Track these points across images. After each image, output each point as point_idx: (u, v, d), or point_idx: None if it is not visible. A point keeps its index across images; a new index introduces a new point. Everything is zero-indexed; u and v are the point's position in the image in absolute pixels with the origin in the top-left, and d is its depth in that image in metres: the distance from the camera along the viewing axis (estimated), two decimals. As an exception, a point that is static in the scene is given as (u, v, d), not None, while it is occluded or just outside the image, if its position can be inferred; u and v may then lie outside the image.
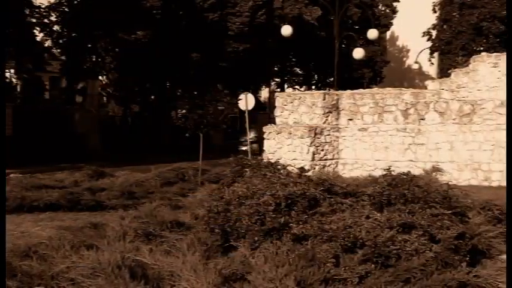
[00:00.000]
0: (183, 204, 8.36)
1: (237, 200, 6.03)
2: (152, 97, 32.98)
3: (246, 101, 19.17)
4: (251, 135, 22.45)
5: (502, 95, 14.59)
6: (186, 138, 25.02)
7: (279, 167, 8.68)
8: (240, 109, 20.78)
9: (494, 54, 15.72)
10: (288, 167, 8.62)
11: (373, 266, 4.91)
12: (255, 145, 23.75)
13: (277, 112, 18.02)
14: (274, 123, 17.94)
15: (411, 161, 15.96)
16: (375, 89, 18.56)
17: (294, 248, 5.06)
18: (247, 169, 8.28)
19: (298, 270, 4.63)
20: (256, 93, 31.35)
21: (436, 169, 8.62)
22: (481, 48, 23.68)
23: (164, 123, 30.57)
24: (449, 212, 5.85)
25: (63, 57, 29.55)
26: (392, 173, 6.70)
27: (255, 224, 5.61)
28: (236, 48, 27.22)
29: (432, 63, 30.41)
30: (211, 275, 4.57)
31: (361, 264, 4.90)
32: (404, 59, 41.30)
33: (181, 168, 13.16)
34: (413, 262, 4.94)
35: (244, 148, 23.62)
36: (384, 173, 6.75)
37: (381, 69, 33.54)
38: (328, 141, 16.92)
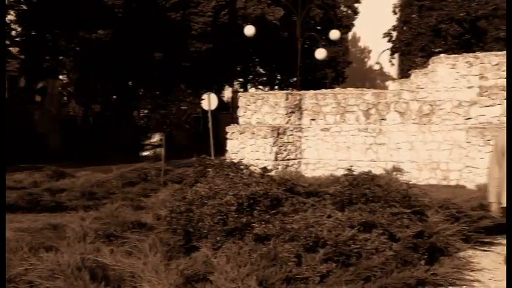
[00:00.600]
0: (145, 204, 8.29)
1: (199, 200, 6.02)
2: (114, 97, 32.60)
3: (209, 101, 19.11)
4: (155, 138, 21.94)
5: (460, 96, 14.89)
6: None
7: (242, 167, 8.68)
8: (203, 109, 20.70)
9: (453, 55, 15.99)
10: (250, 167, 8.64)
11: (334, 264, 4.96)
12: (158, 149, 22.62)
13: (240, 112, 18.03)
14: (237, 123, 17.95)
15: (372, 160, 16.16)
16: (337, 89, 18.71)
17: (256, 248, 5.07)
18: (210, 169, 8.27)
19: (260, 270, 4.64)
20: (219, 93, 31.29)
21: (396, 169, 8.74)
22: (440, 50, 24.10)
23: (126, 123, 30.25)
24: (409, 211, 5.96)
25: (22, 56, 28.95)
26: (354, 172, 6.78)
27: (217, 224, 5.60)
28: (199, 48, 27.12)
29: (393, 64, 30.87)
30: (173, 276, 4.54)
31: (322, 263, 4.94)
32: (366, 59, 41.81)
33: (143, 168, 13.05)
34: (373, 261, 5.00)
35: (145, 153, 23.10)
36: (345, 172, 6.83)
37: (343, 70, 33.87)
38: (291, 141, 17.01)
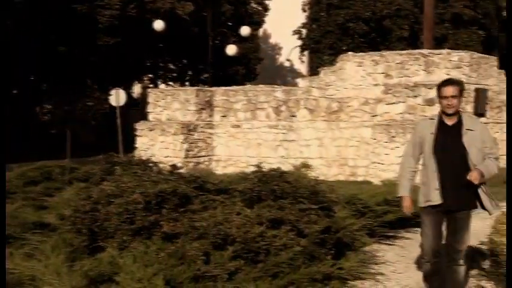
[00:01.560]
0: (48, 204, 8.01)
1: (105, 199, 5.89)
2: (15, 91, 31.19)
3: (117, 97, 18.73)
4: None
5: (366, 93, 15.41)
6: (53, 135, 23.95)
7: (151, 164, 8.59)
8: (111, 105, 20.24)
9: (359, 53, 16.53)
10: (160, 165, 8.55)
11: (242, 262, 5.00)
12: None
13: (149, 108, 17.80)
14: (147, 119, 17.70)
15: (283, 157, 16.44)
16: (248, 86, 18.90)
17: (164, 247, 5.03)
18: (117, 167, 8.11)
19: (168, 269, 4.61)
20: (128, 89, 30.70)
21: (305, 165, 8.94)
22: (348, 48, 24.83)
23: (28, 119, 29.05)
24: (317, 206, 6.09)
25: None
26: (263, 169, 6.85)
27: (124, 223, 5.51)
28: (107, 42, 26.47)
29: (303, 61, 31.48)
30: (76, 277, 4.42)
31: (231, 260, 4.97)
32: (277, 56, 42.38)
33: (46, 166, 12.57)
34: (281, 257, 5.09)
35: None
36: (255, 169, 6.89)
37: (254, 66, 34.17)
38: (201, 138, 16.99)
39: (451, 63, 14.60)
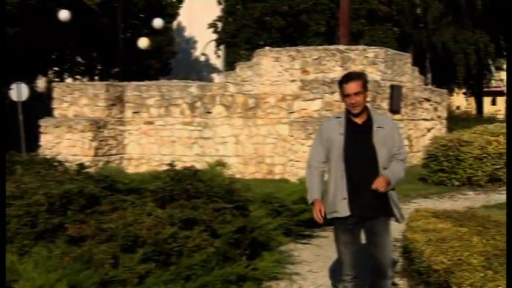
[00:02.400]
0: None
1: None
2: None
3: (19, 92, 18.05)
4: None
5: (284, 89, 15.63)
6: None
7: (56, 163, 8.34)
8: (12, 100, 19.47)
9: (276, 48, 16.74)
10: (66, 164, 8.32)
11: (153, 264, 4.95)
12: None
13: (55, 104, 17.25)
14: (53, 115, 17.15)
15: (198, 155, 16.39)
16: (161, 81, 18.70)
17: (69, 251, 4.90)
18: (18, 166, 7.83)
19: (73, 274, 4.49)
20: (31, 83, 29.61)
21: (220, 163, 8.95)
22: (264, 42, 25.06)
23: None
24: (231, 206, 6.12)
25: None
26: (176, 167, 6.81)
27: (25, 226, 5.32)
28: (6, 32, 25.37)
29: (219, 56, 31.44)
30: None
31: (141, 263, 4.91)
32: (192, 50, 42.15)
33: None
34: (194, 258, 5.08)
35: None
36: (167, 168, 6.84)
37: (168, 61, 33.80)
38: (112, 135, 16.66)
39: (366, 59, 15.06)
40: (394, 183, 4.46)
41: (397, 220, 4.57)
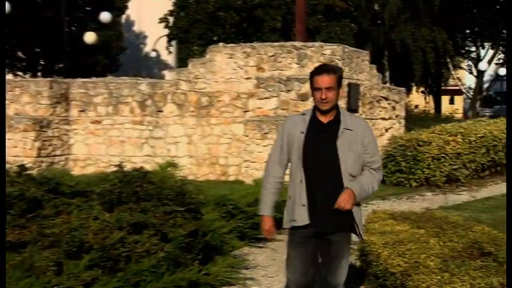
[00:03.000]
0: None
1: None
2: None
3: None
4: None
5: (238, 87, 15.64)
6: None
7: (-6, 165, 8.15)
8: None
9: (230, 45, 16.73)
10: (6, 165, 8.14)
11: (100, 271, 4.89)
12: None
13: (-6, 102, 16.85)
14: (-9, 114, 16.75)
15: (149, 155, 16.26)
16: (110, 78, 18.48)
17: (8, 258, 4.79)
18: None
19: (12, 283, 4.40)
20: (-31, 79, 28.83)
21: (171, 164, 8.89)
22: (218, 38, 25.01)
23: None
24: (183, 209, 6.09)
25: None
26: (125, 169, 6.75)
27: (-40, 233, 5.18)
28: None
29: (170, 52, 31.25)
30: None
31: (87, 270, 4.84)
32: (142, 46, 41.81)
33: None
34: (143, 264, 5.04)
35: None
36: (115, 169, 6.76)
37: (116, 56, 33.48)
38: (56, 135, 16.37)
39: (323, 56, 15.18)
40: (360, 198, 4.08)
41: (361, 237, 4.26)
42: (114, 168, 6.71)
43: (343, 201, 3.98)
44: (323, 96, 4.05)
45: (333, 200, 4.00)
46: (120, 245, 5.14)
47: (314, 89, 4.13)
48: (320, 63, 4.46)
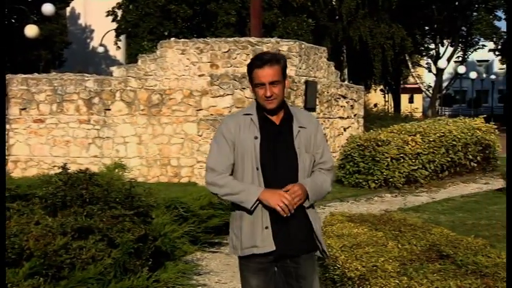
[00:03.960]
0: None
1: None
2: None
3: None
4: None
5: (191, 85, 15.58)
6: None
7: None
8: None
9: (182, 40, 16.66)
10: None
11: (42, 279, 4.79)
12: None
13: None
14: None
15: (96, 156, 16.07)
16: (53, 74, 18.17)
17: None
18: None
19: None
20: None
21: (120, 165, 8.82)
22: (169, 33, 24.89)
23: None
24: (132, 212, 6.03)
25: None
26: (70, 170, 6.65)
27: None
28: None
29: (119, 47, 30.95)
30: None
31: (27, 278, 4.74)
32: (88, 40, 41.28)
33: None
34: (89, 271, 4.97)
35: None
36: (59, 171, 6.66)
37: (61, 51, 33.02)
38: (-5, 135, 16.04)
39: (280, 53, 15.24)
40: (313, 197, 3.59)
41: (321, 254, 3.75)
42: (58, 170, 6.61)
43: (295, 193, 3.47)
44: (268, 94, 3.52)
45: (296, 218, 3.50)
46: (63, 252, 5.06)
47: (255, 85, 3.58)
48: (258, 53, 3.75)
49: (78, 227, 5.43)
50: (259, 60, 3.56)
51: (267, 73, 3.52)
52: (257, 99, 3.62)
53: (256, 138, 3.56)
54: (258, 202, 3.49)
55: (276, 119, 3.63)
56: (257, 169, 3.53)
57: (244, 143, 3.56)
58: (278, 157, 3.56)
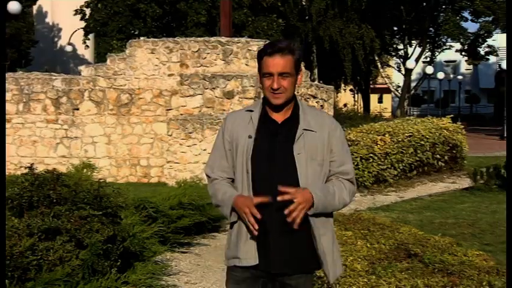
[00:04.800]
0: None
1: None
2: None
3: None
4: None
5: (160, 84, 15.51)
6: None
7: None
8: None
9: (152, 39, 16.57)
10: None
11: (7, 281, 4.74)
12: None
13: None
14: None
15: (64, 157, 15.91)
16: (20, 73, 17.92)
17: None
18: None
19: None
20: None
21: (88, 165, 8.74)
22: (139, 32, 24.76)
23: None
24: (100, 213, 5.98)
25: None
26: (37, 171, 6.57)
27: None
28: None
29: (87, 46, 30.67)
30: None
31: (-7, 281, 4.68)
32: (56, 39, 40.84)
33: None
34: (56, 273, 4.92)
35: None
36: (26, 171, 6.59)
37: (27, 50, 32.62)
38: (-39, 134, 15.79)
39: (250, 52, 15.27)
40: (320, 205, 3.09)
41: (329, 277, 3.23)
42: (25, 170, 6.53)
43: (299, 200, 3.01)
44: (275, 85, 3.12)
45: (290, 231, 3.07)
46: (30, 253, 5.00)
47: (263, 74, 3.18)
48: (269, 41, 3.34)
49: (46, 228, 5.36)
50: (270, 48, 3.17)
51: (277, 62, 3.12)
52: (264, 93, 3.23)
53: (250, 137, 3.18)
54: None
55: (279, 118, 3.22)
56: (247, 172, 3.16)
57: (238, 141, 3.22)
58: (273, 162, 3.13)
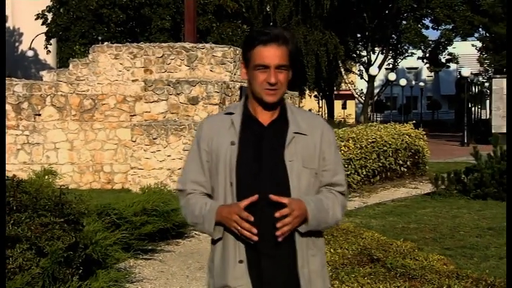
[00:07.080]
0: None
1: None
2: None
3: None
4: None
5: (124, 90, 15.39)
6: None
7: None
8: None
9: (115, 45, 16.44)
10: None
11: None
12: None
13: None
14: None
15: (25, 163, 15.67)
16: (-19, 78, 17.63)
17: None
18: None
19: None
20: None
21: (49, 172, 8.61)
22: (102, 37, 24.57)
23: None
24: (61, 220, 5.90)
25: None
26: (-3, 178, 6.46)
27: None
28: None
29: (49, 51, 30.29)
30: None
31: (-49, 290, 4.58)
32: (17, 44, 40.26)
33: None
34: (16, 281, 4.83)
35: None
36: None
37: (-11, 55, 32.13)
38: None
39: (214, 58, 15.26)
40: (314, 221, 2.68)
41: None
42: (-15, 177, 6.41)
43: (292, 220, 2.62)
44: (273, 80, 2.68)
45: (282, 251, 2.68)
46: (-11, 261, 4.90)
47: (255, 66, 2.72)
48: (261, 29, 2.87)
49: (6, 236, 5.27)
50: (264, 35, 2.70)
51: (273, 53, 2.67)
52: (253, 89, 2.78)
53: (233, 144, 2.72)
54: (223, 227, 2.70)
55: (265, 119, 2.77)
56: (231, 184, 2.70)
57: (218, 150, 2.74)
58: (262, 170, 2.69)
